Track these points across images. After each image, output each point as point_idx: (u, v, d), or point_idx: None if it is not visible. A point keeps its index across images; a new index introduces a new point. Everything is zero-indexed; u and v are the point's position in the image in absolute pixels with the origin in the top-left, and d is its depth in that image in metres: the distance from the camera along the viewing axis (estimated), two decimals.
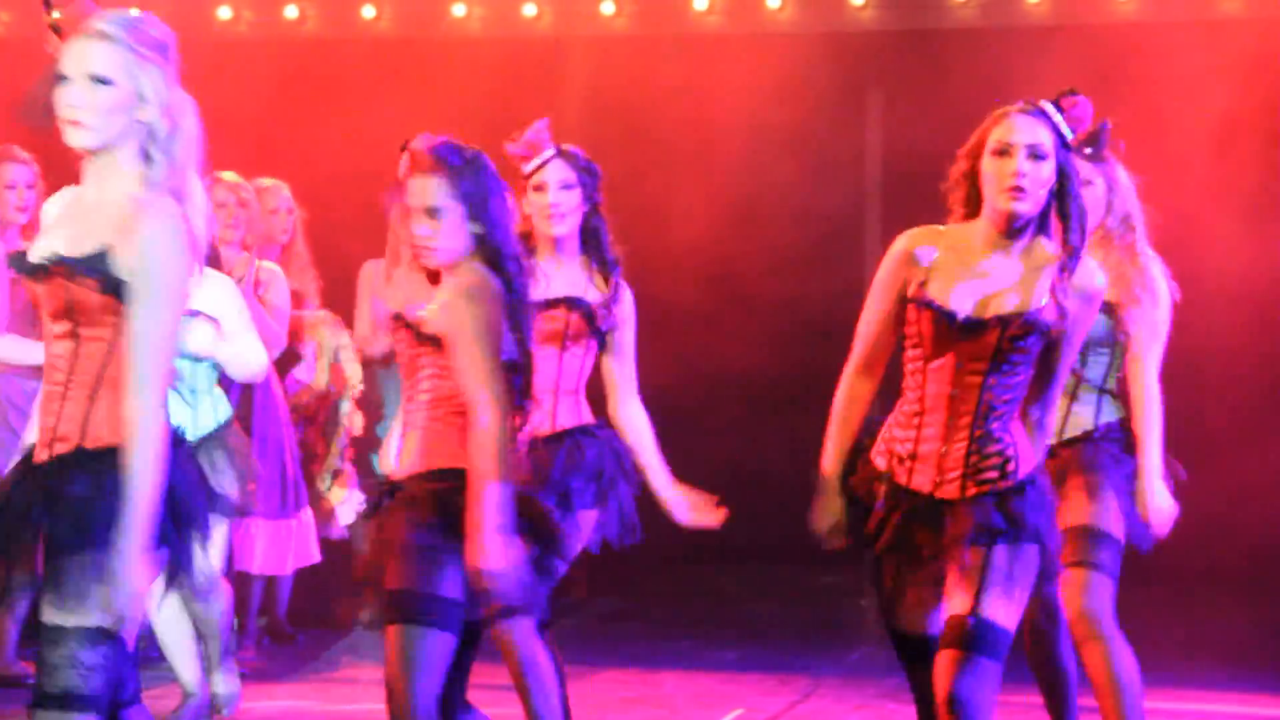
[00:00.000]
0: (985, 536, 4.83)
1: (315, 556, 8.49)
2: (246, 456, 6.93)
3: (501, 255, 4.86)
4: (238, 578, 8.09)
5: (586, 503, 5.83)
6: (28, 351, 6.84)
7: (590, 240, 5.95)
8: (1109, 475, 5.88)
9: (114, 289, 4.04)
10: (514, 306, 4.86)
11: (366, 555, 4.93)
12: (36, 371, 5.42)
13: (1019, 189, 4.84)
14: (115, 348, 4.07)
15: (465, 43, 10.77)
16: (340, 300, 8.85)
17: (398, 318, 4.97)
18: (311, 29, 10.96)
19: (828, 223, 10.57)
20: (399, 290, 6.06)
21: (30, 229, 7.35)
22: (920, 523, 4.90)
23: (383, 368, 8.44)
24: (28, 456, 4.19)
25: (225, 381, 7.09)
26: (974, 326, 4.85)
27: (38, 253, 4.17)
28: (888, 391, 5.06)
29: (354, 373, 8.81)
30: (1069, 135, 4.92)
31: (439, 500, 4.79)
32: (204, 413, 6.86)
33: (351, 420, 8.80)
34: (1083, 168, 5.52)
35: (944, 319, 4.87)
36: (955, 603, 4.84)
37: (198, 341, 6.76)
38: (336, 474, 8.78)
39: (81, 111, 4.09)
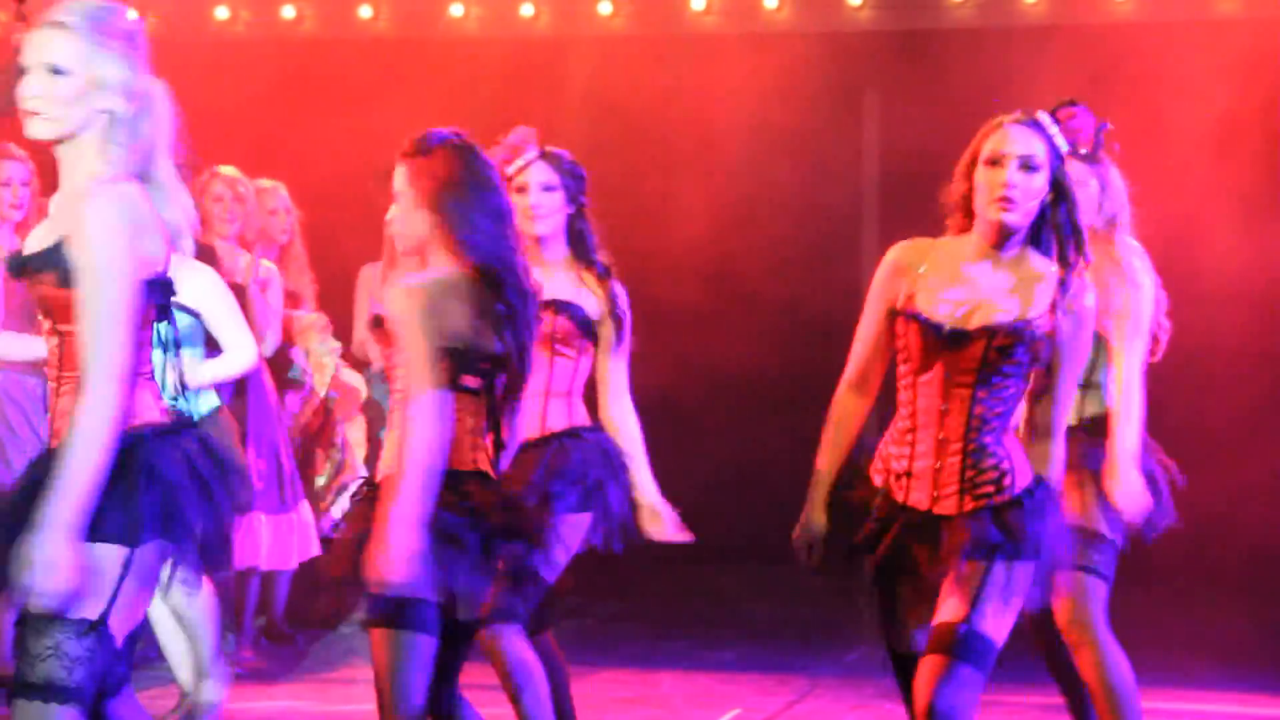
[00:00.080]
0: (983, 550, 4.77)
1: (316, 550, 8.48)
2: (234, 446, 6.87)
3: (463, 245, 4.71)
4: (236, 577, 8.08)
5: (570, 506, 5.76)
6: (26, 347, 6.82)
7: (576, 243, 5.94)
8: (1097, 471, 5.85)
9: (71, 281, 3.95)
10: (485, 301, 4.70)
11: (339, 555, 4.87)
12: (36, 368, 5.40)
13: (1009, 200, 4.78)
14: None
15: (463, 43, 10.76)
16: (337, 301, 8.85)
17: (376, 319, 4.92)
18: (309, 29, 10.95)
19: (826, 222, 10.56)
20: (383, 290, 6.03)
21: (25, 226, 7.34)
22: (918, 538, 4.85)
23: (379, 371, 8.44)
24: (45, 452, 4.15)
25: None
26: (960, 337, 4.80)
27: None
28: (884, 410, 5.02)
29: (356, 381, 8.81)
30: (1064, 147, 4.87)
31: None
32: (189, 402, 6.81)
33: (348, 432, 8.80)
34: (1077, 169, 5.50)
35: (930, 330, 4.82)
36: (947, 610, 4.77)
37: (190, 376, 6.69)
38: (337, 471, 8.78)
39: (39, 101, 4.02)
